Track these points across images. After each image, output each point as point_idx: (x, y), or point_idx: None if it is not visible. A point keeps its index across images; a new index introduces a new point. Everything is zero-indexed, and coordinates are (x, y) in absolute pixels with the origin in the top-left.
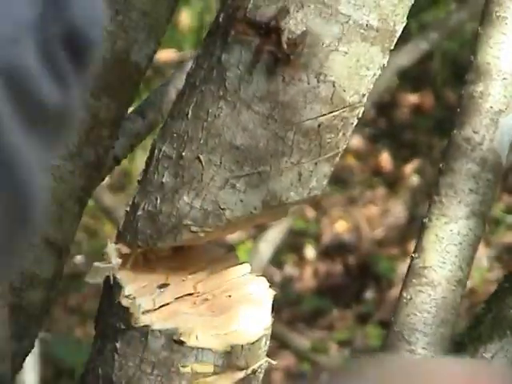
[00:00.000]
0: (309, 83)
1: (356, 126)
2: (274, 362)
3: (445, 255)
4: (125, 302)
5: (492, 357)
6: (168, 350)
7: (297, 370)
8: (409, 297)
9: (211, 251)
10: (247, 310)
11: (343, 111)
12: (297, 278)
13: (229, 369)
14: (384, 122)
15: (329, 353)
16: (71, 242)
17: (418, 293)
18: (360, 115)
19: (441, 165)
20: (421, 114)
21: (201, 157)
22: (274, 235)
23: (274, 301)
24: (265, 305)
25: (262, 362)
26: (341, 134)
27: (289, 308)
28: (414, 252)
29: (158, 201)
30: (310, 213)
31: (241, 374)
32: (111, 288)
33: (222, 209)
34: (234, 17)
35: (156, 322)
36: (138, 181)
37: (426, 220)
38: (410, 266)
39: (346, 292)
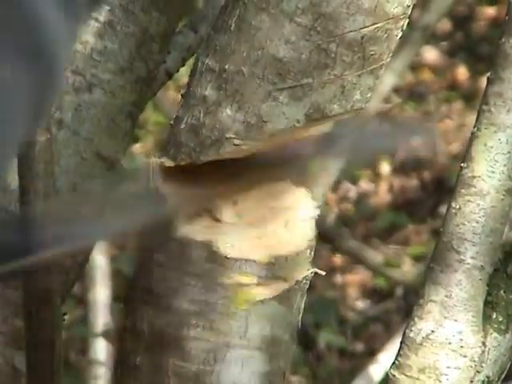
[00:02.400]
0: None
1: (432, 39)
2: (322, 273)
3: (493, 164)
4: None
5: None
6: (211, 262)
7: (372, 285)
8: (458, 207)
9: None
10: (291, 222)
11: (387, 23)
12: (372, 194)
13: (273, 280)
14: (461, 36)
15: (403, 268)
16: (123, 157)
17: (466, 203)
18: (404, 27)
19: (489, 74)
20: (498, 27)
21: (244, 69)
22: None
23: (347, 216)
24: (309, 216)
25: (307, 273)
26: (385, 47)
27: (364, 223)
28: (463, 162)
29: (201, 114)
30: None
31: (285, 286)
32: None
33: (265, 121)
34: None
35: (198, 233)
36: (182, 94)
37: (474, 129)
38: (458, 176)
39: (421, 207)
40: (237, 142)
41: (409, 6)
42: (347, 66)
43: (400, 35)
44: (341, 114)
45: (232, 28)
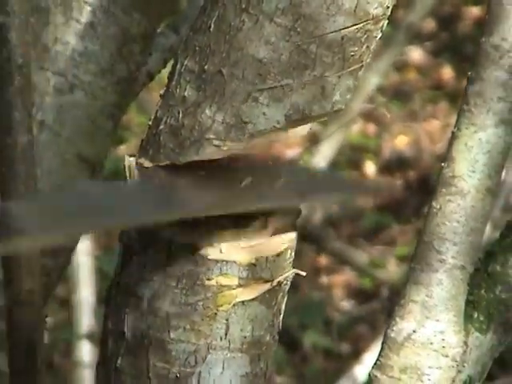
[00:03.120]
0: None
1: (417, 39)
2: (303, 274)
3: (474, 164)
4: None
5: None
6: (192, 264)
7: (357, 286)
8: (438, 206)
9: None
10: (272, 222)
11: (367, 24)
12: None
13: (254, 281)
14: (446, 35)
15: (388, 268)
16: (104, 157)
17: (447, 202)
18: (384, 28)
19: (469, 73)
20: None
21: (223, 70)
22: (328, 150)
23: (332, 217)
24: (290, 216)
25: (288, 273)
26: (364, 47)
27: (349, 224)
28: (444, 162)
29: (181, 115)
30: (371, 128)
31: (266, 286)
32: None
33: (245, 122)
34: None
35: (180, 235)
36: (161, 95)
37: (455, 129)
38: (439, 176)
39: (407, 207)
40: (216, 142)
41: (388, 7)
42: (327, 67)
43: (380, 36)
44: (321, 114)
45: (211, 29)
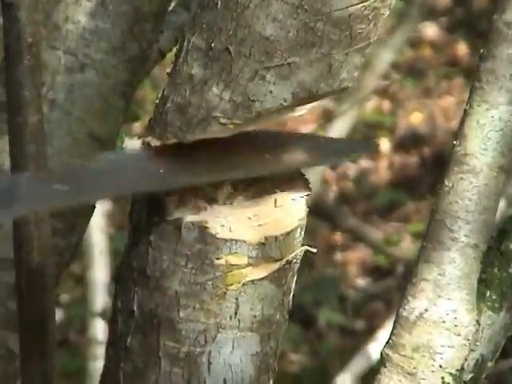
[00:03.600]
0: None
1: (432, 15)
2: (313, 250)
3: (486, 141)
4: (158, 195)
5: None
6: (201, 243)
7: (372, 263)
8: (451, 184)
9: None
10: (282, 202)
11: (374, 1)
12: (372, 171)
13: (263, 260)
14: (460, 11)
15: (403, 245)
16: (116, 136)
17: (459, 180)
18: (392, 5)
19: (481, 50)
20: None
21: (230, 48)
22: (342, 127)
23: (347, 194)
24: (300, 196)
25: (297, 252)
26: (372, 25)
27: (363, 201)
28: (456, 139)
29: (187, 92)
30: (385, 105)
31: (276, 265)
32: None
33: (252, 100)
34: None
35: (189, 214)
36: (168, 73)
37: (467, 107)
38: (451, 154)
39: (421, 184)
40: (223, 120)
41: None
42: (334, 45)
43: (387, 13)
44: (328, 92)
45: (218, 6)
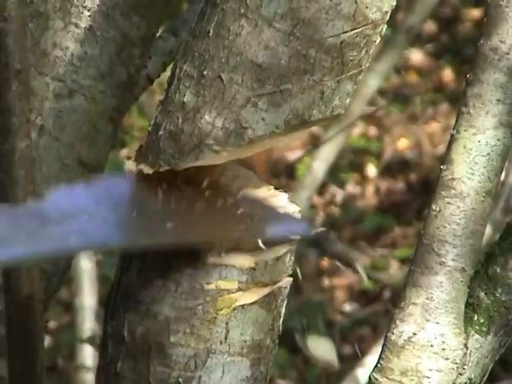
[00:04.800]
0: (331, 0)
1: (417, 41)
2: (299, 276)
3: (473, 166)
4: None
5: None
6: (191, 268)
7: (359, 288)
8: (438, 209)
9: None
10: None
11: (366, 28)
12: (358, 197)
13: (253, 285)
14: (446, 38)
15: (390, 270)
16: (104, 162)
17: (446, 205)
18: (383, 32)
19: (468, 76)
20: None
21: (222, 75)
22: (328, 153)
23: (334, 219)
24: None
25: (288, 277)
26: (363, 52)
27: (351, 226)
28: (443, 164)
29: (180, 120)
30: (372, 131)
31: (266, 290)
32: None
33: (244, 128)
34: None
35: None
36: (160, 100)
37: (454, 132)
38: (438, 179)
39: (408, 209)
40: (216, 148)
41: (387, 12)
42: (326, 72)
43: (379, 40)
44: (320, 119)
45: (210, 34)
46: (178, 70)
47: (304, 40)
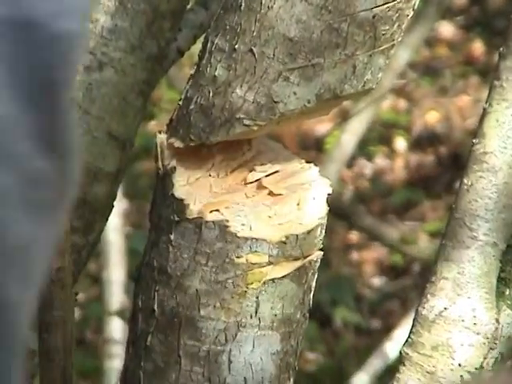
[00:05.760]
0: None
1: (447, 14)
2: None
3: (506, 140)
4: (178, 193)
5: None
6: (222, 241)
7: (388, 262)
8: (470, 183)
9: (275, 152)
10: (303, 200)
11: (398, 2)
12: (388, 170)
13: (284, 259)
14: (476, 10)
15: (419, 244)
16: (134, 135)
17: (479, 179)
18: (416, 6)
19: (501, 48)
20: None
21: (254, 49)
22: (358, 127)
23: (363, 193)
24: (320, 194)
25: (318, 251)
26: (396, 26)
27: (379, 200)
28: (475, 138)
29: (211, 94)
30: (401, 104)
31: (296, 264)
32: (164, 179)
33: (276, 102)
34: None
35: (210, 212)
36: (191, 74)
37: (486, 105)
38: (470, 152)
39: (437, 183)
40: (247, 122)
41: None
42: (359, 46)
43: (411, 14)
44: (352, 94)
45: (242, 7)
46: (209, 44)
47: (336, 14)
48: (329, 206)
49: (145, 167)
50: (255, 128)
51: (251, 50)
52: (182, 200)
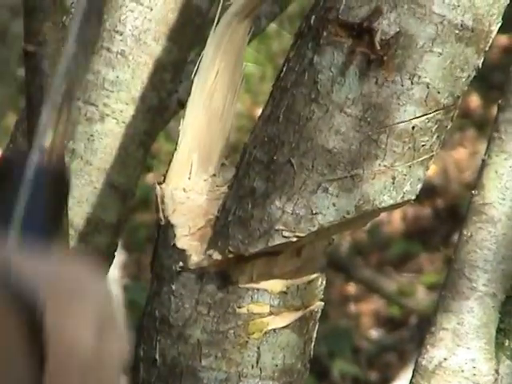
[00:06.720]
0: (402, 85)
1: None
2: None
3: (504, 191)
4: (181, 244)
5: None
6: (223, 292)
7: (386, 314)
8: (469, 234)
9: None
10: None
11: (437, 113)
12: (385, 222)
13: (285, 309)
14: None
15: (417, 296)
16: (135, 185)
17: (478, 230)
18: (454, 118)
19: (500, 101)
20: (511, 55)
21: (292, 160)
22: None
23: (360, 245)
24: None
25: (319, 302)
26: (435, 137)
27: (377, 252)
28: (474, 189)
29: (250, 205)
30: None
31: (297, 314)
32: (166, 230)
33: (315, 213)
34: (326, 18)
35: (211, 263)
36: (229, 186)
37: (485, 157)
38: (470, 204)
39: (435, 235)
40: (286, 234)
41: (459, 97)
42: (398, 157)
43: (450, 126)
44: (391, 205)
45: (280, 119)
46: (247, 155)
47: (375, 125)
48: (326, 257)
49: (143, 219)
50: (294, 239)
51: (290, 161)
52: (183, 250)
